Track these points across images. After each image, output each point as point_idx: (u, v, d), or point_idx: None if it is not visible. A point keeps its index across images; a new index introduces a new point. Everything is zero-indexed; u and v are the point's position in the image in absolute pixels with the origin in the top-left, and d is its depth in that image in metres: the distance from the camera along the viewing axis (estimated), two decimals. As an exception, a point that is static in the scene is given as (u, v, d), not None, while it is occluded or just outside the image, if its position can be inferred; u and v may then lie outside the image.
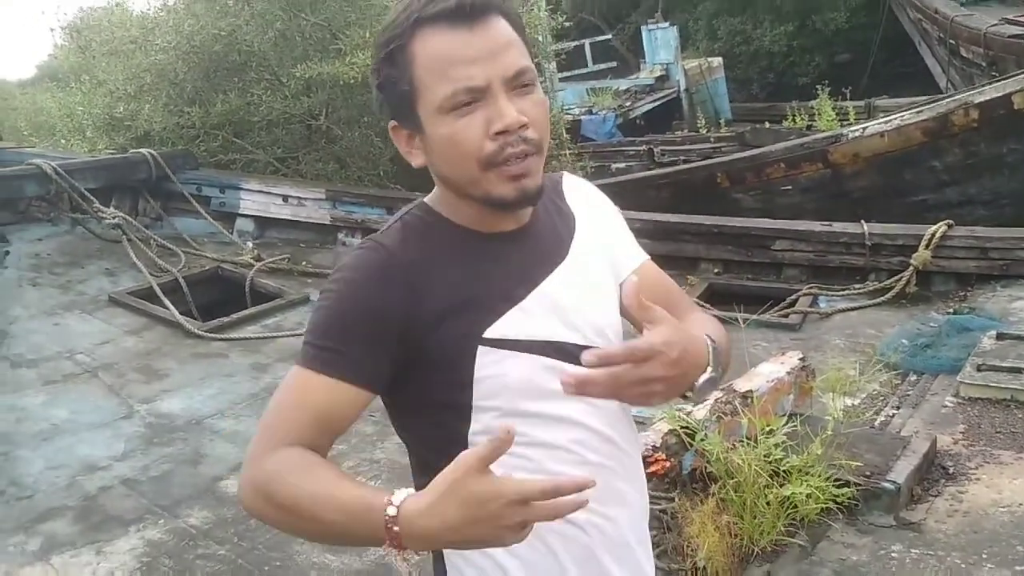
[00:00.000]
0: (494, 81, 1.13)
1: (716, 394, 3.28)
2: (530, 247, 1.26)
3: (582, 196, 1.40)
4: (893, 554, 2.80)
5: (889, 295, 5.47)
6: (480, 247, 1.24)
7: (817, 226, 6.08)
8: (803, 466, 2.94)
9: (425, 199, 1.30)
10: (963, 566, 2.71)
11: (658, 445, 2.96)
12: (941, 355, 4.41)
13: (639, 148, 12.11)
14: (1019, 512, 2.96)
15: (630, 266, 1.40)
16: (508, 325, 1.20)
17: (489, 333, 1.19)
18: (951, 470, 3.29)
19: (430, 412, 1.23)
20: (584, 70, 16.61)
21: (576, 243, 1.31)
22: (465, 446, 1.17)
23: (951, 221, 5.63)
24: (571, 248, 1.30)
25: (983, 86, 7.29)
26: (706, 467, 2.98)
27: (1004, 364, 3.97)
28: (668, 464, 2.94)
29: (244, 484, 1.13)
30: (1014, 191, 6.90)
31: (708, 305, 5.61)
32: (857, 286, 5.71)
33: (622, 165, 11.53)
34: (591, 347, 1.24)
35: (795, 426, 3.11)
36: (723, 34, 17.46)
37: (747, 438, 3.08)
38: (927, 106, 7.27)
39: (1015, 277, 5.33)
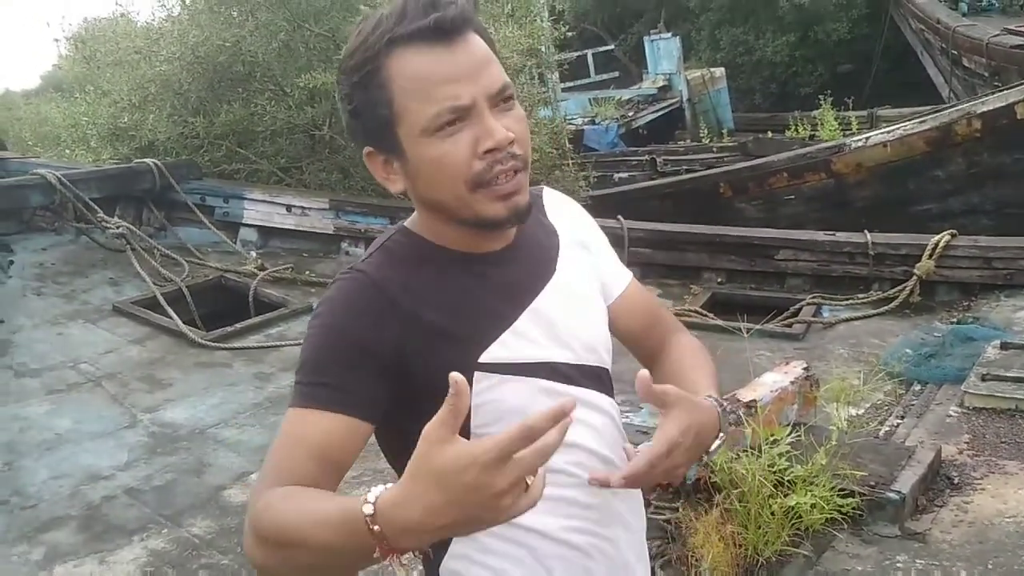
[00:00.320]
0: (479, 99, 1.09)
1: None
2: (517, 266, 1.24)
3: (563, 211, 1.38)
4: (898, 564, 2.79)
5: (893, 305, 5.47)
6: (467, 269, 1.20)
7: (820, 236, 6.09)
8: (807, 476, 2.93)
9: (405, 223, 1.26)
10: (968, 576, 2.70)
11: (662, 455, 2.95)
12: (945, 365, 4.40)
13: (642, 158, 12.14)
14: (1024, 522, 2.95)
15: (618, 287, 1.39)
16: (502, 348, 1.17)
17: (484, 358, 1.16)
18: (956, 480, 3.28)
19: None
20: (587, 80, 16.64)
21: (562, 259, 1.29)
22: None
23: (954, 231, 5.63)
24: (557, 264, 1.28)
25: (985, 96, 7.31)
26: (710, 477, 2.97)
27: (1008, 374, 3.96)
28: (672, 474, 2.93)
29: (246, 529, 1.07)
30: (1017, 200, 6.90)
31: (711, 315, 5.62)
32: (861, 296, 5.71)
33: (625, 175, 11.56)
34: (584, 366, 1.25)
35: (799, 436, 3.10)
36: (725, 44, 17.50)
37: (751, 448, 3.07)
38: (930, 116, 7.30)
39: (1019, 287, 5.33)
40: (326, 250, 7.53)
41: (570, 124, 12.30)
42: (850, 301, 5.67)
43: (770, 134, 12.92)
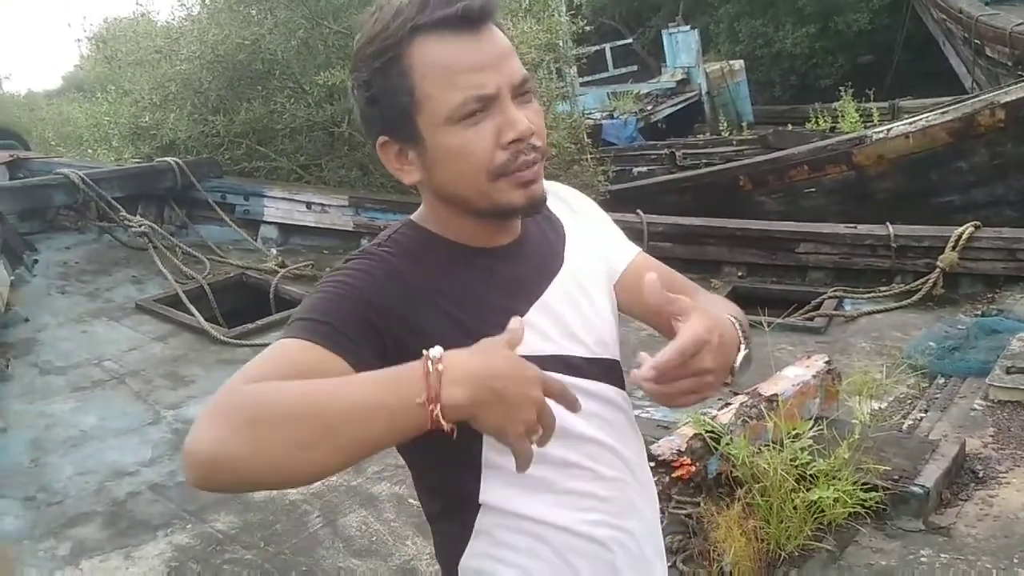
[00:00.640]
0: (503, 88, 1.09)
1: (741, 398, 3.27)
2: (526, 259, 1.23)
3: (565, 202, 1.36)
4: (922, 559, 2.77)
5: (915, 297, 5.43)
6: (476, 263, 1.20)
7: (842, 228, 6.05)
8: (830, 470, 2.92)
9: (412, 217, 1.25)
10: (993, 571, 2.68)
11: (683, 449, 2.95)
12: (969, 358, 4.37)
13: (661, 152, 12.09)
14: (1051, 516, 2.92)
15: (624, 261, 1.36)
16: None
17: None
18: (981, 474, 3.25)
19: (437, 434, 1.16)
20: (605, 74, 16.59)
21: (569, 251, 1.28)
22: (478, 468, 1.16)
23: (978, 222, 5.58)
24: (565, 257, 1.27)
25: (1009, 86, 7.22)
26: (732, 471, 2.96)
27: (1034, 366, 3.92)
28: (693, 468, 2.92)
29: (204, 425, 0.92)
30: (1042, 191, 6.83)
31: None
32: (883, 288, 5.67)
33: (644, 169, 11.52)
34: (596, 359, 1.24)
35: (821, 430, 3.09)
36: (744, 37, 17.39)
37: (773, 442, 3.06)
38: (952, 106, 7.22)
39: (1044, 279, 5.27)
40: (346, 247, 7.55)
41: (588, 118, 12.27)
42: (872, 294, 5.64)
43: (790, 127, 12.82)
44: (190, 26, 8.86)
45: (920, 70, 15.01)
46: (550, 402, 1.00)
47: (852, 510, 2.89)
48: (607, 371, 1.27)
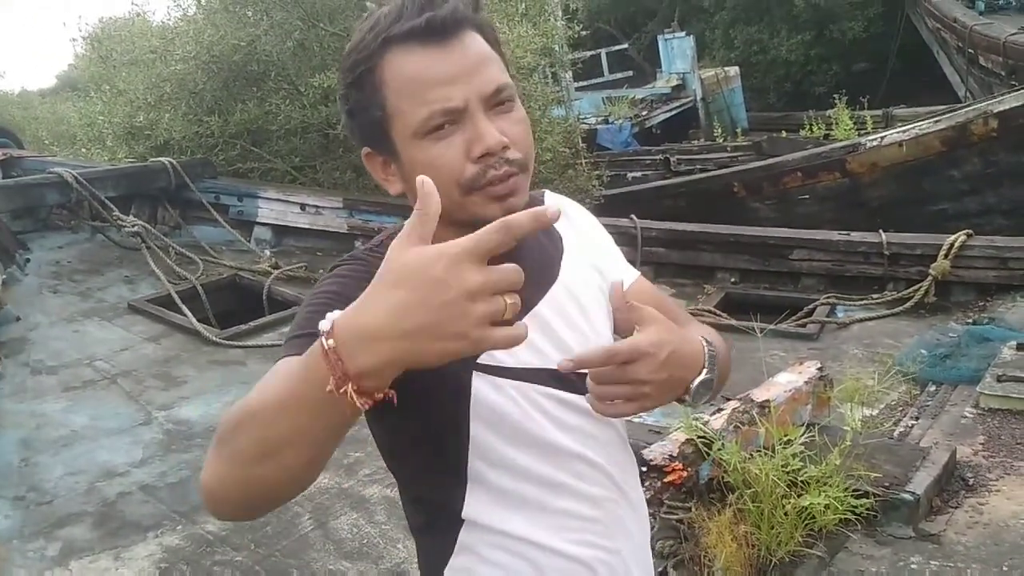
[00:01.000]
0: (472, 101, 1.06)
1: (733, 403, 3.28)
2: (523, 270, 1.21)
3: (565, 214, 1.31)
4: (912, 566, 2.78)
5: (908, 305, 5.45)
6: None
7: (835, 235, 6.07)
8: (821, 476, 2.92)
9: (405, 223, 1.24)
10: (983, 578, 2.68)
11: (675, 454, 2.95)
12: (960, 365, 4.38)
13: (655, 157, 12.13)
14: (1040, 524, 2.93)
15: (625, 284, 1.31)
16: (504, 351, 1.09)
17: (483, 359, 1.11)
18: (971, 481, 3.26)
19: (423, 443, 1.14)
20: (600, 79, 16.63)
21: (565, 264, 1.25)
22: (463, 481, 1.13)
23: (970, 231, 5.61)
24: (561, 269, 1.24)
25: (1002, 95, 7.26)
26: (723, 477, 2.97)
27: (1024, 375, 3.94)
28: (685, 473, 2.93)
29: (207, 462, 0.93)
30: (1034, 200, 6.86)
31: (724, 314, 5.61)
32: (875, 296, 5.69)
33: (638, 174, 11.56)
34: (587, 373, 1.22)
35: (813, 436, 3.09)
36: (740, 43, 17.44)
37: (764, 448, 3.06)
38: (946, 115, 7.25)
39: (1035, 287, 5.30)
40: (340, 249, 7.54)
41: (583, 123, 12.30)
42: (865, 301, 5.65)
43: (784, 133, 12.88)
44: (185, 26, 8.86)
45: (914, 79, 15.08)
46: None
47: (843, 516, 2.89)
48: None
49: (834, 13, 16.15)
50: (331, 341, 0.80)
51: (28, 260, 6.85)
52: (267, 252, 7.43)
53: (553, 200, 1.35)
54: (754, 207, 8.06)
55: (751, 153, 11.23)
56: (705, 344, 1.15)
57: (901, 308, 5.45)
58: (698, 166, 11.33)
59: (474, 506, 1.15)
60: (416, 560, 1.26)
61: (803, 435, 3.07)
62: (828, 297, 5.74)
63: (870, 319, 5.43)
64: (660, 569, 2.74)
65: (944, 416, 3.92)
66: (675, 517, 2.82)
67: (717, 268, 6.43)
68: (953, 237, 5.52)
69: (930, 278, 5.47)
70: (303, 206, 7.67)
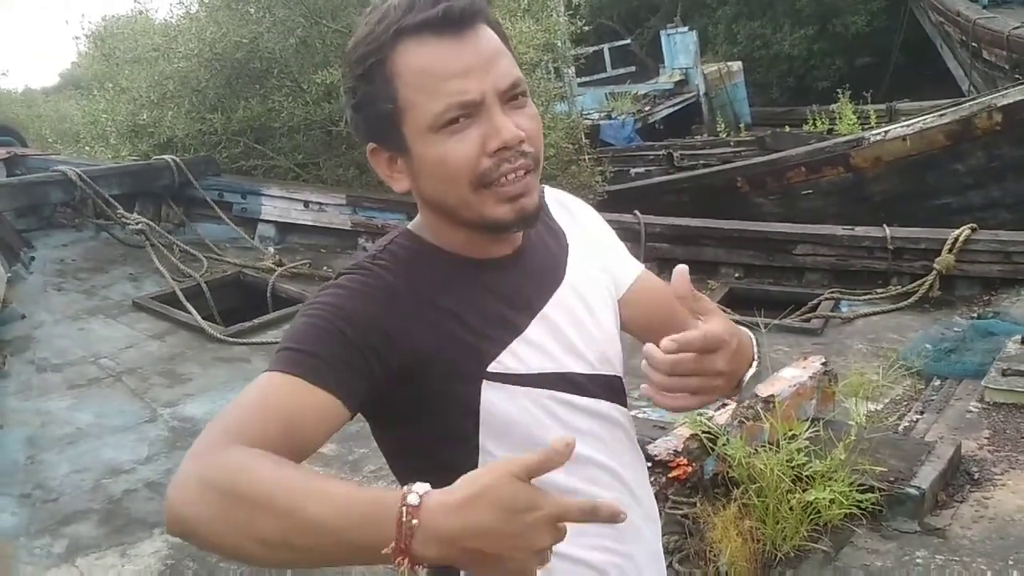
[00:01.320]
0: (488, 94, 1.04)
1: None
2: (526, 271, 1.18)
3: (568, 211, 1.32)
4: (918, 560, 2.78)
5: (912, 299, 5.44)
6: (474, 275, 1.14)
7: (839, 230, 6.06)
8: (826, 471, 2.92)
9: (408, 226, 1.20)
10: (989, 572, 2.68)
11: (680, 450, 2.96)
12: (965, 360, 4.38)
13: (658, 153, 12.09)
14: (1046, 518, 2.93)
15: (629, 277, 1.34)
16: (512, 358, 1.11)
17: (493, 367, 1.10)
18: (976, 475, 3.26)
19: (432, 455, 1.11)
20: (603, 75, 16.58)
21: (571, 262, 1.24)
22: None
23: (974, 225, 5.60)
24: (567, 268, 1.22)
25: (1006, 89, 7.23)
26: (728, 472, 2.97)
27: (1029, 369, 3.93)
28: (690, 469, 2.93)
29: (183, 481, 0.93)
30: (1039, 194, 6.84)
31: (729, 310, 5.59)
32: (879, 290, 5.69)
33: (641, 170, 11.52)
34: (598, 375, 1.20)
35: (818, 431, 3.09)
36: (742, 38, 17.39)
37: (769, 443, 3.06)
38: (949, 109, 7.23)
39: (1040, 281, 5.29)
40: (343, 246, 7.56)
41: (586, 119, 12.29)
42: (869, 296, 5.65)
43: (787, 128, 12.84)
44: (188, 24, 8.86)
45: (918, 73, 15.04)
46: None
47: (848, 511, 2.89)
48: (608, 387, 1.23)
49: (837, 7, 16.10)
50: (415, 521, 0.82)
51: (33, 258, 6.85)
52: (271, 249, 7.44)
53: (554, 195, 1.34)
54: (757, 202, 8.04)
55: (754, 148, 11.20)
56: (752, 336, 1.15)
57: (905, 303, 5.44)
58: (701, 161, 11.30)
59: None
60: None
61: (808, 430, 3.07)
62: (832, 292, 5.73)
63: (874, 314, 5.42)
64: (666, 564, 2.74)
65: (949, 410, 3.91)
66: (680, 512, 2.82)
67: (721, 263, 6.42)
68: (957, 231, 5.51)
69: (934, 272, 5.46)
70: (307, 203, 7.68)
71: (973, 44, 10.85)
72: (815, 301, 5.63)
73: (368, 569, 3.18)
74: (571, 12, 9.29)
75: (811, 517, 2.86)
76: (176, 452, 4.23)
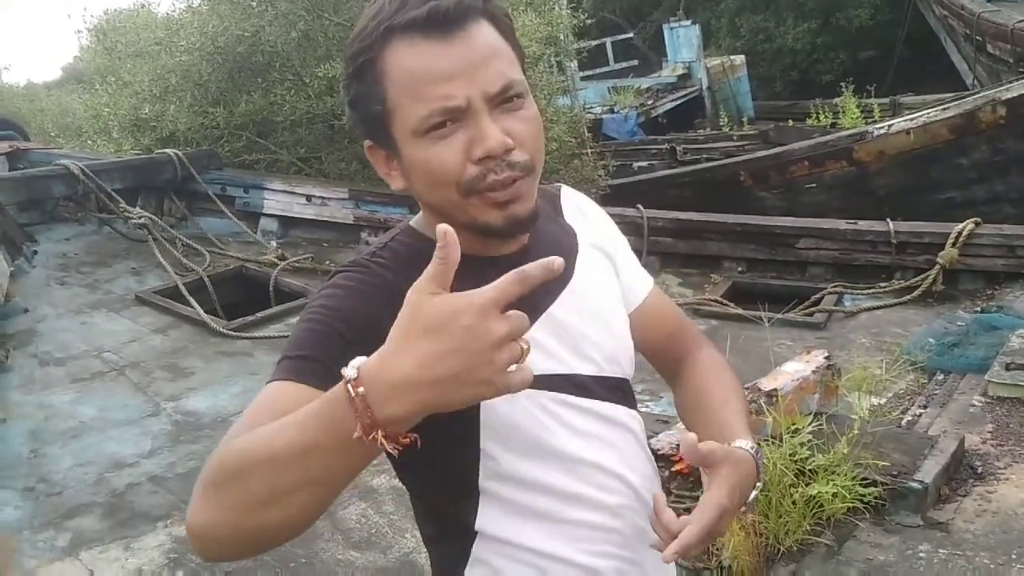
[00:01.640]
0: (475, 99, 0.99)
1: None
2: None
3: (583, 214, 1.29)
4: (921, 554, 2.78)
5: (915, 293, 5.43)
6: (478, 274, 1.06)
7: (842, 224, 6.05)
8: (829, 465, 2.92)
9: (411, 223, 1.17)
10: (992, 566, 2.68)
11: (682, 444, 2.95)
12: (969, 354, 4.37)
13: (661, 147, 12.09)
14: (1049, 512, 2.92)
15: (642, 292, 1.32)
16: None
17: None
18: (979, 470, 3.25)
19: (432, 460, 1.07)
20: (606, 68, 16.56)
21: (580, 262, 1.21)
22: (475, 495, 1.11)
23: (978, 219, 5.58)
24: (576, 268, 1.19)
25: (1010, 83, 7.21)
26: (731, 466, 2.96)
27: (1033, 363, 3.93)
28: (693, 463, 2.92)
29: (191, 500, 0.94)
30: (1042, 188, 6.82)
31: (731, 304, 5.60)
32: (883, 284, 5.68)
33: (644, 164, 11.51)
34: (606, 378, 1.18)
35: (821, 425, 3.09)
36: (746, 32, 17.36)
37: (772, 437, 3.06)
38: (953, 103, 7.21)
39: (1044, 276, 5.27)
40: (346, 240, 7.56)
41: (589, 113, 12.29)
42: (872, 290, 5.64)
43: (791, 122, 12.83)
44: (190, 18, 8.86)
45: (921, 66, 14.99)
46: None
47: (851, 505, 2.89)
48: (616, 390, 1.21)
49: (840, 1, 16.06)
50: (361, 389, 0.80)
51: (35, 252, 6.87)
52: (273, 243, 7.45)
53: (570, 196, 1.32)
54: (761, 196, 8.03)
55: (757, 142, 11.19)
56: (754, 454, 1.16)
57: (909, 297, 5.43)
58: (704, 155, 11.29)
59: (487, 518, 1.12)
60: (424, 549, 1.24)
61: (811, 424, 3.07)
62: (835, 286, 5.72)
63: (878, 308, 5.42)
64: (668, 558, 2.74)
65: (952, 404, 3.91)
66: (683, 506, 2.82)
67: (724, 257, 6.41)
68: (961, 225, 5.50)
69: (938, 267, 5.45)
70: (309, 197, 7.67)
71: (977, 38, 10.81)
72: (818, 295, 5.62)
73: (367, 569, 3.19)
74: (573, 5, 9.28)
75: (814, 511, 2.86)
76: (179, 446, 4.24)
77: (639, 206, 6.54)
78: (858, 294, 5.63)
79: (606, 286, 1.25)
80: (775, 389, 3.25)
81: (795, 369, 3.48)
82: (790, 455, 2.92)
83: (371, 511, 3.50)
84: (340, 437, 0.81)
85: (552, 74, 9.50)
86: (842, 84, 13.02)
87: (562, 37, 9.28)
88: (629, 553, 1.18)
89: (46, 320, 5.84)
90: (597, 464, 1.15)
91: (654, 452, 2.85)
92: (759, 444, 1.21)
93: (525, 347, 0.82)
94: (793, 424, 3.06)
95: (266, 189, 7.85)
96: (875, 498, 2.92)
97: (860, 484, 2.91)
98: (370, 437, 0.80)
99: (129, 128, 9.12)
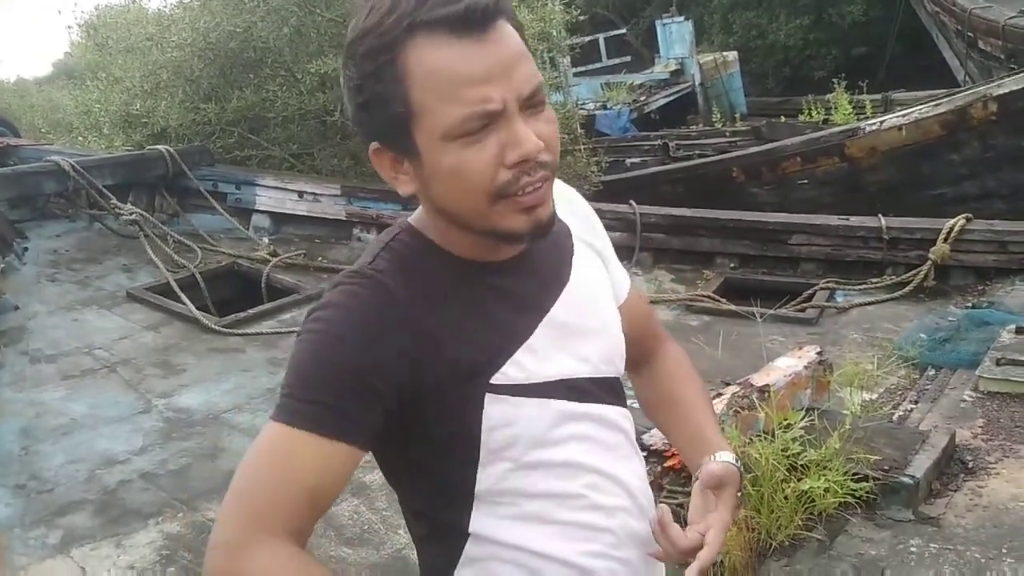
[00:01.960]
0: (510, 102, 0.96)
1: (733, 388, 3.28)
2: (533, 273, 1.13)
3: (571, 205, 1.27)
4: (912, 548, 2.79)
5: (907, 289, 5.44)
6: (480, 279, 1.09)
7: (834, 220, 6.06)
8: (821, 460, 2.92)
9: (411, 220, 1.13)
10: (983, 560, 2.69)
11: (675, 439, 2.95)
12: (960, 349, 4.39)
13: (654, 143, 12.08)
14: (1039, 507, 2.94)
15: (624, 288, 1.32)
16: (516, 368, 1.07)
17: (497, 379, 1.06)
18: (970, 464, 3.27)
19: (430, 467, 1.09)
20: (598, 64, 16.54)
21: (576, 260, 1.20)
22: (470, 499, 1.10)
23: (969, 215, 5.60)
24: (573, 266, 1.18)
25: (1002, 79, 7.23)
26: (723, 461, 2.97)
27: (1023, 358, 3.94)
28: (685, 458, 2.93)
29: (214, 573, 0.96)
30: (1033, 184, 6.84)
31: (724, 300, 5.61)
32: (874, 280, 5.69)
33: (637, 160, 11.51)
34: (601, 379, 1.18)
35: (812, 420, 3.09)
36: (738, 28, 17.35)
37: (764, 432, 3.06)
38: (945, 99, 7.23)
39: (1034, 271, 5.29)
40: (338, 236, 7.54)
41: (582, 109, 12.26)
42: (864, 286, 5.65)
43: (783, 118, 12.81)
44: (181, 13, 8.82)
45: (913, 63, 15.02)
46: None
47: (842, 500, 2.90)
48: (611, 391, 1.21)
49: (833, -3, 16.08)
50: None
51: (26, 249, 6.83)
52: (265, 240, 7.42)
53: (560, 190, 1.28)
54: (753, 192, 8.04)
55: (750, 138, 11.18)
56: (739, 465, 1.25)
57: (900, 292, 5.45)
58: (697, 151, 11.28)
59: (481, 521, 1.11)
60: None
61: (803, 419, 3.07)
62: (827, 282, 5.73)
63: (869, 304, 5.43)
64: (660, 553, 2.74)
65: (943, 400, 3.92)
66: (675, 502, 2.82)
67: (716, 253, 6.42)
68: (952, 221, 5.51)
69: (929, 262, 5.46)
70: (301, 193, 7.65)
71: (969, 34, 10.84)
72: (810, 291, 5.63)
73: (360, 566, 3.19)
74: (566, 1, 9.26)
75: (806, 506, 2.87)
76: (171, 443, 4.23)
77: (632, 202, 6.54)
78: (850, 290, 5.65)
79: (601, 283, 1.24)
80: (767, 385, 3.26)
81: (787, 365, 3.49)
82: (782, 450, 2.92)
83: (363, 508, 3.50)
84: None
85: (545, 70, 9.48)
86: (834, 80, 13.02)
87: (555, 33, 9.25)
88: (620, 553, 1.18)
89: (37, 317, 5.82)
90: (593, 467, 1.16)
91: (647, 448, 2.88)
92: (737, 452, 1.28)
93: None
94: (785, 419, 3.07)
95: (258, 185, 7.83)
96: (867, 493, 2.93)
97: (852, 479, 2.91)
98: None
99: (120, 124, 9.08)
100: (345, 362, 0.99)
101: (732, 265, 6.35)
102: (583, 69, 15.38)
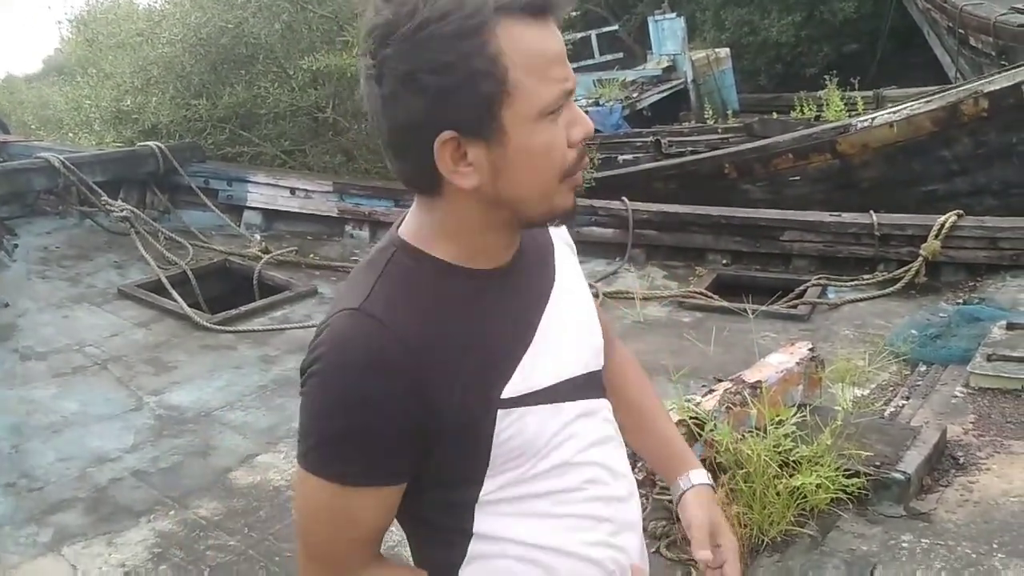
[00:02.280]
0: (573, 83, 1.03)
1: (725, 385, 3.28)
2: (525, 276, 1.15)
3: None
4: (903, 544, 2.80)
5: (898, 285, 5.46)
6: (478, 289, 1.09)
7: (826, 217, 6.07)
8: (813, 456, 2.93)
9: (400, 233, 1.11)
10: (974, 556, 2.70)
11: (667, 436, 2.95)
12: (951, 345, 4.40)
13: (646, 139, 12.05)
14: (1030, 502, 2.95)
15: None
16: (522, 378, 1.08)
17: (507, 392, 1.07)
18: (961, 460, 3.28)
19: (436, 482, 1.10)
20: (591, 61, 16.54)
21: (558, 257, 1.22)
22: (474, 507, 1.12)
23: (961, 211, 5.61)
24: (556, 266, 1.21)
25: (993, 75, 7.24)
26: (715, 458, 2.97)
27: (1014, 354, 3.96)
28: (677, 454, 2.93)
29: None
30: (1024, 181, 6.86)
31: (716, 296, 5.61)
32: (866, 276, 5.70)
33: (629, 156, 11.49)
34: (591, 373, 1.20)
35: (804, 416, 3.10)
36: (730, 25, 17.35)
37: (756, 428, 3.07)
38: (936, 96, 7.23)
39: (1025, 267, 5.31)
40: (330, 233, 7.53)
41: (574, 105, 12.21)
42: (856, 282, 5.66)
43: (775, 115, 12.81)
44: (172, 9, 8.79)
45: (904, 60, 15.06)
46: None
47: (834, 496, 2.90)
48: (598, 384, 1.24)
49: (825, -6, 16.09)
50: None
51: (16, 246, 6.80)
52: (257, 236, 7.40)
53: None
54: (745, 189, 8.04)
55: (742, 135, 11.16)
56: (709, 482, 1.40)
57: (892, 289, 5.46)
58: (689, 148, 11.26)
59: (485, 521, 1.12)
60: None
61: (795, 415, 3.08)
62: (819, 278, 5.74)
63: (861, 300, 5.44)
64: (653, 549, 2.75)
65: (935, 395, 3.93)
66: (667, 498, 2.82)
67: (708, 250, 6.43)
68: (944, 217, 5.53)
69: (921, 259, 5.48)
70: (293, 190, 7.63)
71: (960, 31, 10.86)
72: (802, 287, 5.64)
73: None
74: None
75: (798, 502, 2.87)
76: (162, 440, 4.22)
77: (624, 199, 6.54)
78: (842, 286, 5.66)
79: (580, 277, 1.27)
80: (759, 381, 3.26)
81: (779, 361, 3.50)
82: (774, 446, 2.93)
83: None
84: None
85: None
86: (826, 77, 13.04)
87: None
88: (619, 541, 1.21)
89: (27, 314, 5.79)
90: (591, 460, 1.18)
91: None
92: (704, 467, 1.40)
93: None
94: (777, 416, 3.08)
95: (249, 182, 7.81)
96: (858, 489, 2.94)
97: (843, 475, 2.92)
98: None
99: (111, 120, 9.05)
100: (361, 412, 1.01)
101: (724, 261, 6.36)
102: (575, 65, 14.97)
